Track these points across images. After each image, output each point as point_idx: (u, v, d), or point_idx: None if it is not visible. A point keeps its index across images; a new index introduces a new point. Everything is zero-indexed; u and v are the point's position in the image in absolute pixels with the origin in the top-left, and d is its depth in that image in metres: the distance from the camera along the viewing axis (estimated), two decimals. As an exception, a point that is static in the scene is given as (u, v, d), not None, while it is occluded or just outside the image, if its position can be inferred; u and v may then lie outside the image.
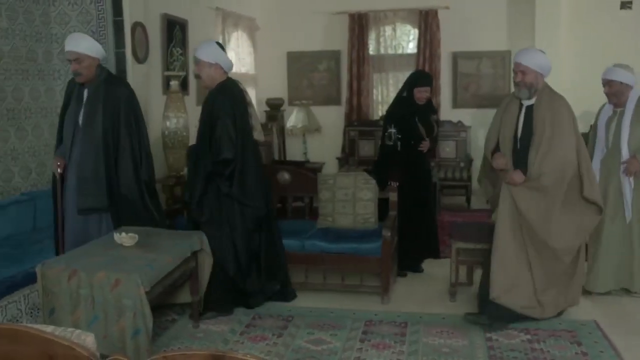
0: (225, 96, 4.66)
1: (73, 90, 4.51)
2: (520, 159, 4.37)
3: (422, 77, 5.80)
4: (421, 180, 5.76)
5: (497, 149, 4.55)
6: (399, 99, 5.83)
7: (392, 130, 5.55)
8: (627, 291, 5.03)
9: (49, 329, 1.81)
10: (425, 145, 5.68)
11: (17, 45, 5.09)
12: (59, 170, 4.46)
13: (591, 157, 4.81)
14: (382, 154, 5.81)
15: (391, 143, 5.58)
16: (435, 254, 5.88)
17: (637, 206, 4.94)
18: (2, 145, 5.09)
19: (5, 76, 4.94)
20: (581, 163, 4.33)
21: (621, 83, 4.92)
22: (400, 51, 9.65)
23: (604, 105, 5.18)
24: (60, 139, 4.57)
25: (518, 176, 4.33)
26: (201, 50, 4.72)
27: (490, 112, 8.92)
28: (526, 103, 4.44)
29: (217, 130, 4.55)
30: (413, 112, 5.63)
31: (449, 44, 9.15)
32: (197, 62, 4.70)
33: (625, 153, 4.92)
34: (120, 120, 4.43)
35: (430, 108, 5.98)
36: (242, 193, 4.65)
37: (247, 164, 4.68)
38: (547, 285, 4.41)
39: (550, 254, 4.35)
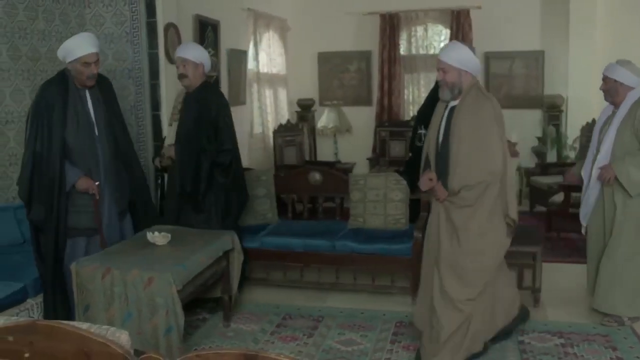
0: (219, 92, 5.01)
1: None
2: (441, 167, 3.87)
3: None
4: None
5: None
6: (430, 99, 5.71)
7: (422, 131, 5.46)
8: None
9: (84, 326, 1.84)
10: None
11: (54, 47, 5.17)
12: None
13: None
14: (413, 155, 5.74)
15: (420, 144, 5.52)
16: None
17: (609, 216, 4.50)
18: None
19: (42, 77, 5.02)
20: (503, 177, 3.79)
21: (615, 81, 4.47)
22: (431, 51, 9.59)
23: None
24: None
25: (441, 192, 3.82)
26: (188, 50, 4.80)
27: (523, 114, 8.99)
28: (451, 104, 3.92)
29: (220, 123, 4.69)
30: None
31: (481, 44, 9.01)
32: (184, 61, 4.72)
33: (603, 157, 4.49)
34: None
35: None
36: (237, 182, 4.85)
37: (237, 156, 4.89)
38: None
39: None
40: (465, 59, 3.80)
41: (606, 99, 4.63)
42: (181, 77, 4.76)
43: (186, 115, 4.75)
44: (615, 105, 4.56)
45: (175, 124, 4.82)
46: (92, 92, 4.25)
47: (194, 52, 4.77)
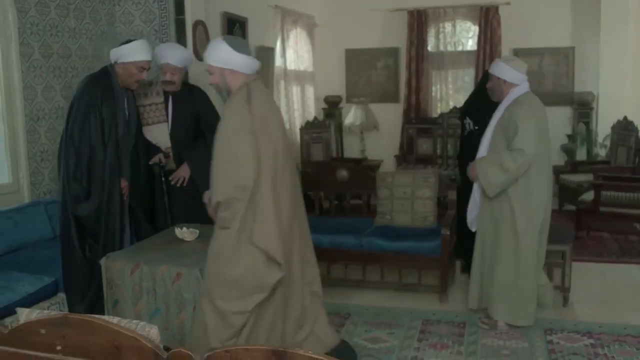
0: (196, 86, 5.07)
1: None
2: None
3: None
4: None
5: None
6: (476, 91, 5.50)
7: (468, 120, 5.37)
8: None
9: (115, 320, 1.85)
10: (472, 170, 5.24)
11: (84, 44, 5.23)
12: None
13: None
14: (460, 146, 5.63)
15: (466, 133, 5.45)
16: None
17: (492, 218, 4.39)
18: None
19: (72, 74, 5.08)
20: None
21: (499, 78, 4.38)
22: (459, 48, 9.53)
23: None
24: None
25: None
26: (175, 55, 4.78)
27: (552, 111, 8.77)
28: None
29: (210, 116, 4.80)
30: (489, 105, 5.00)
31: (510, 40, 8.98)
32: (173, 69, 4.76)
33: (482, 154, 4.44)
34: None
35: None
36: None
37: None
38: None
39: None
40: (226, 57, 3.26)
41: (492, 97, 4.55)
42: (168, 84, 4.76)
43: (179, 116, 4.82)
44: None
45: (159, 126, 4.80)
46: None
47: (180, 57, 4.79)
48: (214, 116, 4.72)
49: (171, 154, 4.80)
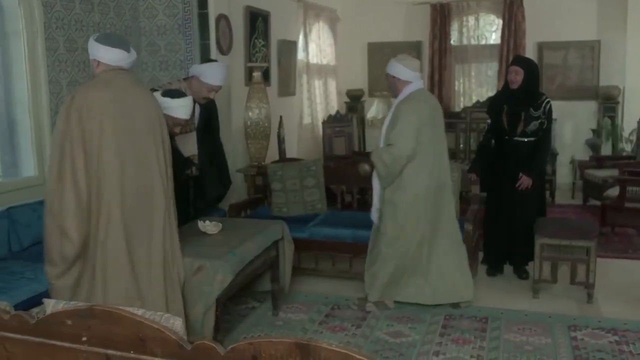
0: None
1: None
2: None
3: (514, 58, 5.29)
4: (509, 181, 5.10)
5: None
6: (503, 88, 5.39)
7: (488, 121, 5.35)
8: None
9: (139, 311, 1.86)
10: (524, 182, 5.03)
11: (108, 38, 5.28)
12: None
13: None
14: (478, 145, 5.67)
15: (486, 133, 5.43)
16: (518, 265, 5.35)
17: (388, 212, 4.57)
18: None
19: (96, 68, 5.13)
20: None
21: (393, 77, 4.61)
22: (483, 42, 9.48)
23: None
24: None
25: None
26: (225, 77, 4.80)
27: (577, 105, 8.80)
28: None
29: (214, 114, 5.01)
30: (505, 99, 5.16)
31: (534, 34, 8.90)
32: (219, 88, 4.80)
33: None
34: None
35: (528, 101, 5.00)
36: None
37: None
38: None
39: None
40: (92, 49, 3.38)
41: (391, 94, 4.77)
42: (206, 99, 4.75)
43: (201, 123, 4.87)
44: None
45: (187, 135, 4.79)
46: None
47: (225, 79, 4.82)
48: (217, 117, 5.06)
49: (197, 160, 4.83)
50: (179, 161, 4.66)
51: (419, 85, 4.62)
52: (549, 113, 5.06)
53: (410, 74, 4.55)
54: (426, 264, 4.57)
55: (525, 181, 5.02)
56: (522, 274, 5.29)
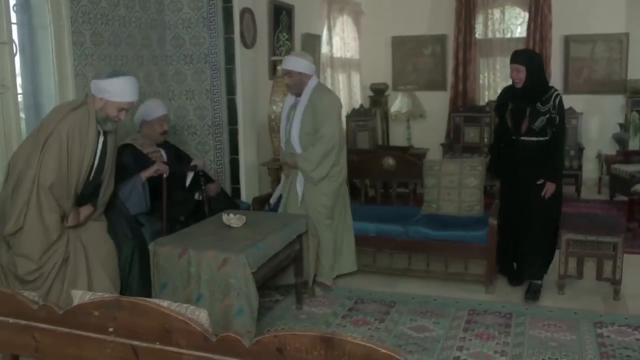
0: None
1: None
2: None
3: (512, 54, 4.85)
4: (522, 186, 4.80)
5: None
6: (508, 88, 5.12)
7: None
8: None
9: (165, 303, 1.88)
10: (549, 189, 4.70)
11: (133, 32, 5.30)
12: None
13: None
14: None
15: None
16: (528, 276, 4.92)
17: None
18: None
19: (122, 62, 5.16)
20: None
21: (300, 73, 4.79)
22: (508, 35, 9.38)
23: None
24: None
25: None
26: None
27: (604, 99, 8.69)
28: None
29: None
30: (510, 97, 4.90)
31: (560, 27, 8.79)
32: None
33: (297, 148, 4.84)
34: None
35: (534, 95, 4.68)
36: None
37: None
38: None
39: None
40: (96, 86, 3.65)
41: (291, 92, 4.93)
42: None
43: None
44: (299, 95, 4.86)
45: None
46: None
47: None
48: None
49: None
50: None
51: (317, 78, 4.95)
52: (559, 107, 4.66)
53: (312, 68, 4.87)
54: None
55: (550, 188, 4.69)
56: (527, 292, 4.82)
